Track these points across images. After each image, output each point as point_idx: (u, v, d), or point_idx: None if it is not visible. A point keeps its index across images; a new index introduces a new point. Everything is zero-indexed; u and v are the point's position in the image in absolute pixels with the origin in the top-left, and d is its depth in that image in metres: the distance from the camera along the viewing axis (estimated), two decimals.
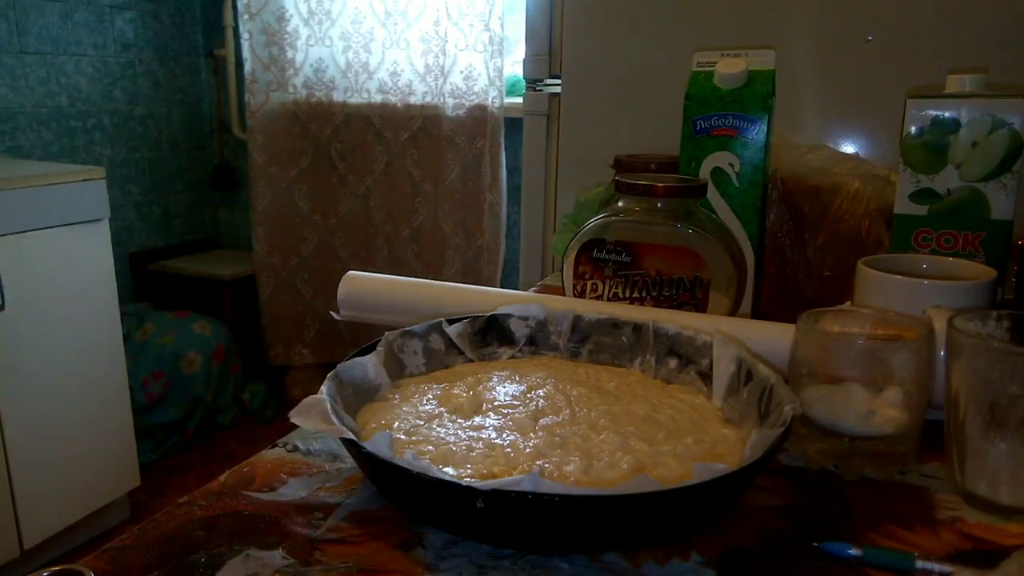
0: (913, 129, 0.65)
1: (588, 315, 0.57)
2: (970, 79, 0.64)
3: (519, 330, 0.58)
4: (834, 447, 0.47)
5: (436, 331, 0.55)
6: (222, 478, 0.45)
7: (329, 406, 0.41)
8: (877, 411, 0.46)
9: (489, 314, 0.57)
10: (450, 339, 0.56)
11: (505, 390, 0.50)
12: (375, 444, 0.38)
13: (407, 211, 2.37)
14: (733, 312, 0.65)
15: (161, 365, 2.17)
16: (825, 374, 0.47)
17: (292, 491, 0.44)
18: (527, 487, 0.33)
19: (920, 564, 0.37)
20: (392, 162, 2.35)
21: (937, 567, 0.37)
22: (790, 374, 0.49)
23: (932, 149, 0.65)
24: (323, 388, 0.44)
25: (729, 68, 0.71)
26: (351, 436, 0.38)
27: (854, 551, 0.38)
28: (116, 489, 1.87)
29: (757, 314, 0.73)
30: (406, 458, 0.36)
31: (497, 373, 0.53)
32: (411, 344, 0.54)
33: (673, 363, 0.54)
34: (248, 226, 2.55)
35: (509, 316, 0.58)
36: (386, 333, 0.53)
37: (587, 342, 0.58)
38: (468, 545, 0.39)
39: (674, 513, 0.36)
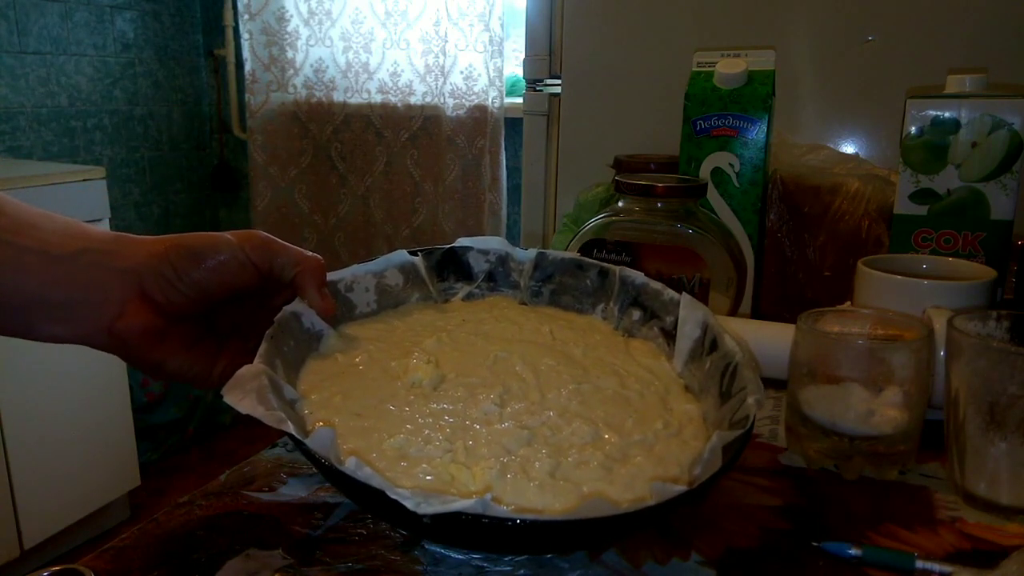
0: (913, 129, 0.65)
1: (553, 253, 0.55)
2: (970, 79, 0.64)
3: (478, 264, 0.55)
4: (834, 447, 0.47)
5: (394, 266, 0.53)
6: (222, 478, 0.45)
7: (267, 380, 0.37)
8: (877, 411, 0.46)
9: (447, 246, 0.55)
10: (407, 275, 0.53)
11: (469, 360, 0.46)
12: (317, 440, 0.34)
13: (407, 211, 2.36)
14: (733, 312, 0.65)
15: None
16: (825, 374, 0.47)
17: (292, 491, 0.44)
18: (476, 510, 0.31)
19: (920, 564, 0.37)
20: (392, 162, 2.35)
21: (937, 567, 0.37)
22: (790, 374, 0.49)
23: (932, 149, 0.65)
24: (259, 353, 0.39)
25: (729, 68, 0.71)
26: (291, 430, 0.34)
27: (854, 551, 0.38)
28: (116, 489, 1.87)
29: (757, 314, 0.73)
30: (349, 466, 0.32)
31: (458, 329, 0.50)
32: (363, 281, 0.51)
33: (636, 315, 0.52)
34: (248, 226, 2.55)
35: (469, 249, 0.55)
36: (329, 276, 0.49)
37: (549, 282, 0.55)
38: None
39: (628, 529, 0.36)
